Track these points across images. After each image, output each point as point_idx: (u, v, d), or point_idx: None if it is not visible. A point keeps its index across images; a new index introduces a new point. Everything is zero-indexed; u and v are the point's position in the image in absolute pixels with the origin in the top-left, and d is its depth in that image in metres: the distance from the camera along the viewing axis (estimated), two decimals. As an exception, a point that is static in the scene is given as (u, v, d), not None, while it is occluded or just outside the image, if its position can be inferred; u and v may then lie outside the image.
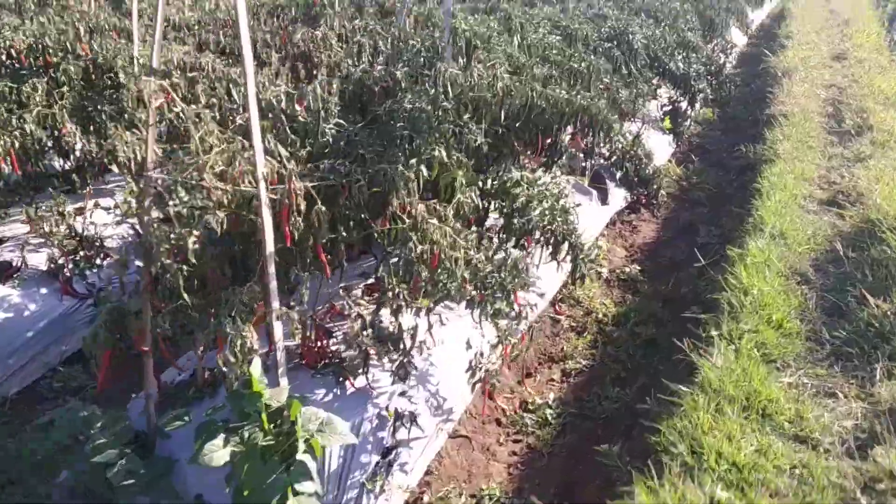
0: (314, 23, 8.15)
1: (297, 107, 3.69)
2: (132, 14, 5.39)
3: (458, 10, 5.10)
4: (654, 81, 8.99)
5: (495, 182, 5.04)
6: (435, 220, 3.71)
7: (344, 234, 3.61)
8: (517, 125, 4.46)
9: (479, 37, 4.36)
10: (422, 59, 4.20)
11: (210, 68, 4.24)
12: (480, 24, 4.67)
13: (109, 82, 5.26)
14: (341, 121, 3.72)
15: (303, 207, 3.09)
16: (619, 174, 7.31)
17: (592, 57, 5.89)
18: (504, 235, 5.01)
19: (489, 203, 5.11)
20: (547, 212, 5.03)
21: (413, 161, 3.63)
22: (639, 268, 6.26)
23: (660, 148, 8.64)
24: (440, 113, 3.66)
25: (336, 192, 3.50)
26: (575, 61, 5.03)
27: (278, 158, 3.01)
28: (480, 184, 4.80)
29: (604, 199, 6.94)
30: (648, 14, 9.26)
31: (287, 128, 3.66)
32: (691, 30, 9.90)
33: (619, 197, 7.18)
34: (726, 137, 10.22)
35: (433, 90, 3.75)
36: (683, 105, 9.39)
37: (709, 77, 11.19)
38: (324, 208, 3.30)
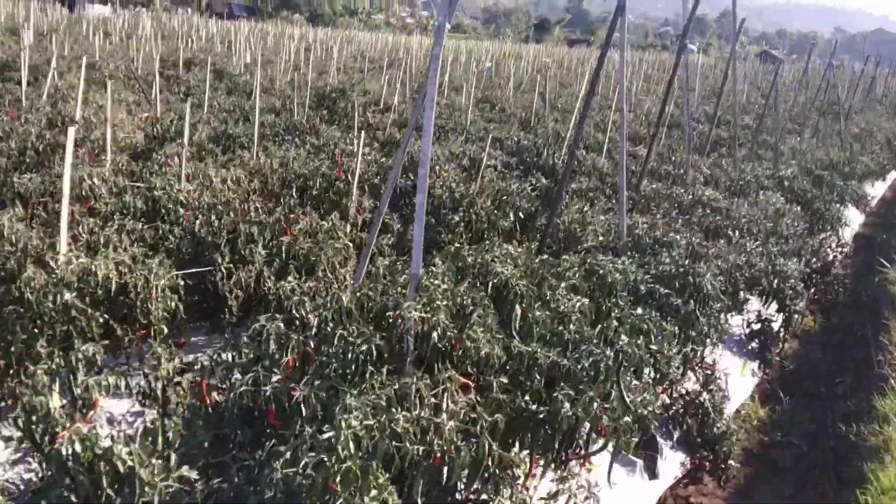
0: (336, 205, 7.07)
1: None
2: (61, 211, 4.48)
3: (445, 268, 3.83)
4: (740, 295, 7.47)
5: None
6: None
7: None
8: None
9: (437, 329, 3.10)
10: (352, 363, 2.99)
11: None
12: (463, 292, 3.41)
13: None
14: (189, 474, 2.50)
15: None
16: (676, 433, 5.82)
17: (639, 309, 4.52)
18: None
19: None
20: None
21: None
22: (685, 587, 4.67)
23: (739, 380, 7.05)
24: (339, 482, 2.37)
25: None
26: (595, 343, 3.68)
27: None
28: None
29: (652, 471, 5.41)
30: (735, 228, 7.76)
31: (104, 477, 2.47)
32: (790, 237, 8.33)
33: (674, 463, 5.65)
34: (829, 356, 8.51)
35: (331, 440, 2.49)
36: (776, 324, 7.76)
37: (813, 275, 9.53)
38: None
